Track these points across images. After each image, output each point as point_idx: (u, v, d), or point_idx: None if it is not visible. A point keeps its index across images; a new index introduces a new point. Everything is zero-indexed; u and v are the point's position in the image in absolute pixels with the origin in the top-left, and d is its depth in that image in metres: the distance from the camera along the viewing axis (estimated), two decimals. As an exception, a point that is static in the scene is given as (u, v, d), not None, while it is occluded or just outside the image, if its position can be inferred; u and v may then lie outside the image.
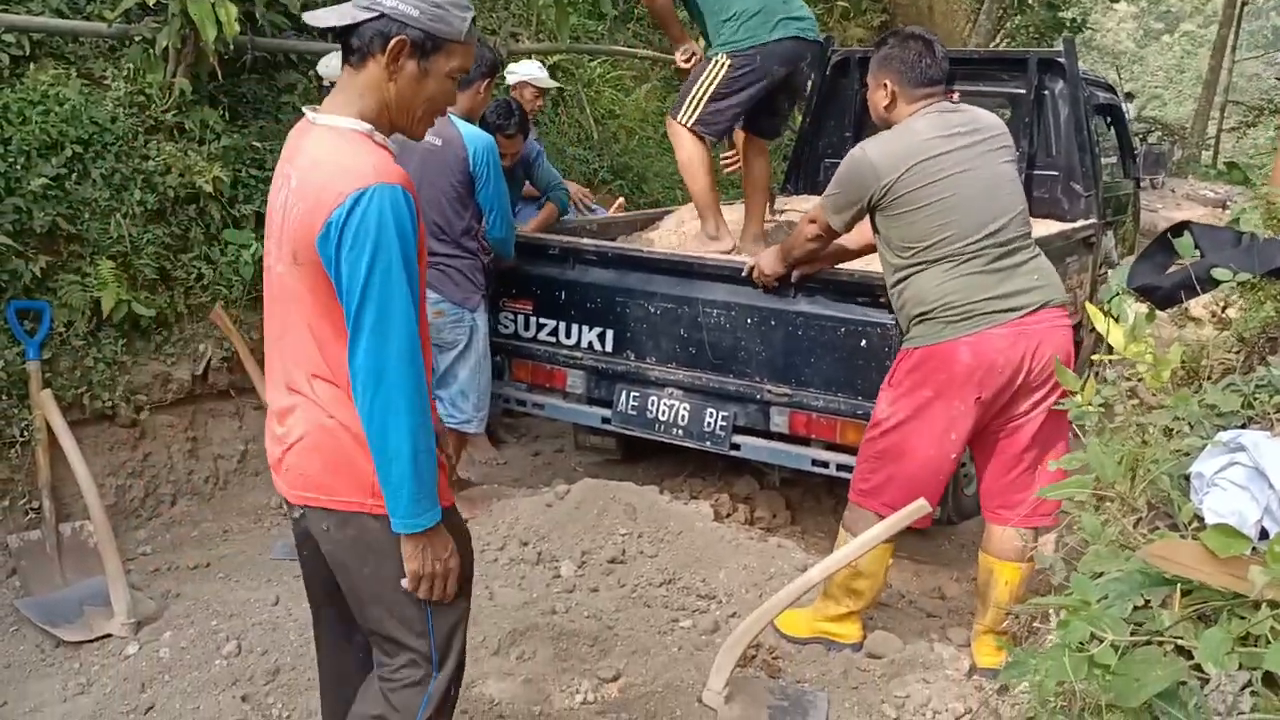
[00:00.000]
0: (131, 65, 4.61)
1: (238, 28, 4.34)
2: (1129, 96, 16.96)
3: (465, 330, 4.12)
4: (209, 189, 4.56)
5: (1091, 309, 1.82)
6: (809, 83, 4.79)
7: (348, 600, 2.09)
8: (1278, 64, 29.93)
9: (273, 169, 4.83)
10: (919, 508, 2.91)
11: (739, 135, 4.81)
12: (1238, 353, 1.51)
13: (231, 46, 4.59)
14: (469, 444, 4.64)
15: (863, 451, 3.28)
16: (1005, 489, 3.15)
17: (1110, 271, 5.66)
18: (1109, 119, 6.21)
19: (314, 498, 1.97)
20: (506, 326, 4.49)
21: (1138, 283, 1.61)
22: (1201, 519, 1.10)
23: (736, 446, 4.07)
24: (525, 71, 5.60)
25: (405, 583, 1.95)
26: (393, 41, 1.82)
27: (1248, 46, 29.49)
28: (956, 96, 3.27)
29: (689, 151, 4.32)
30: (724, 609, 3.61)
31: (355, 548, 1.98)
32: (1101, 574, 1.06)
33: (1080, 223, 5.15)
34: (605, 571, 3.76)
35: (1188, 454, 1.18)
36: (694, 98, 4.24)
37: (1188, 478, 1.15)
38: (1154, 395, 1.46)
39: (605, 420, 4.33)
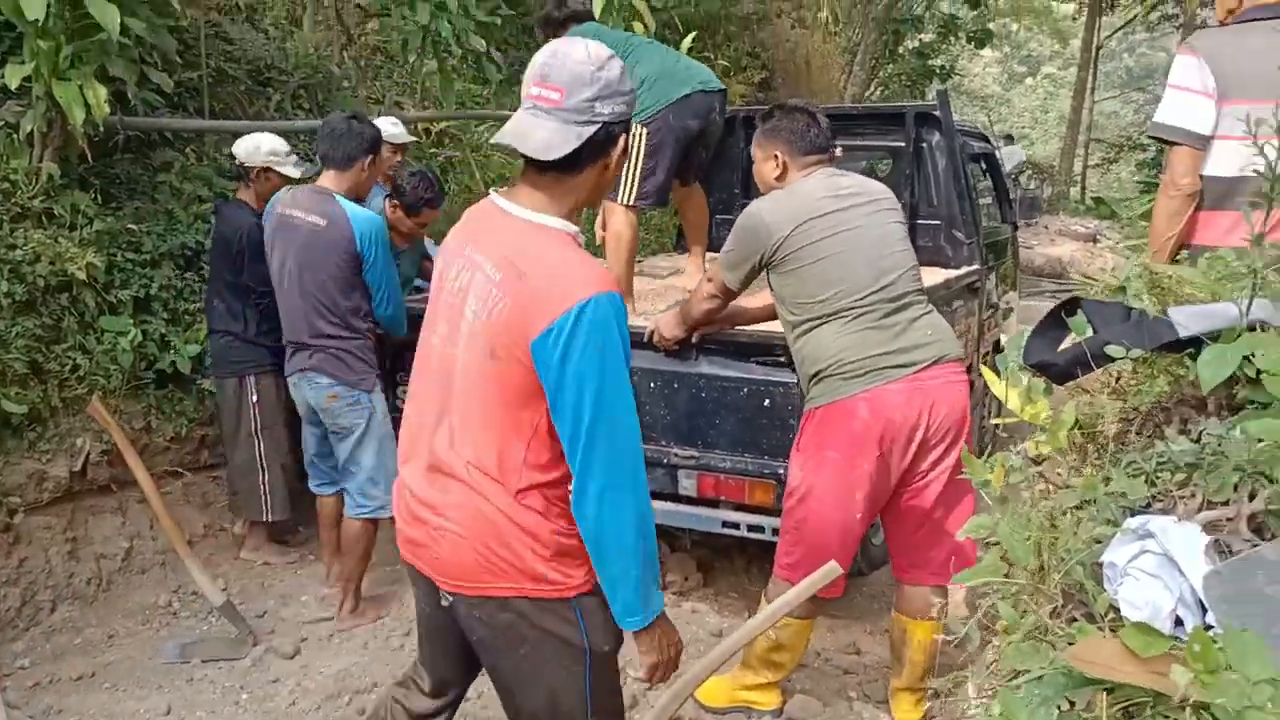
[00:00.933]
0: (-7, 151, 4.40)
1: (108, 109, 4.17)
2: (1009, 139, 17.57)
3: (364, 412, 3.99)
4: (82, 276, 4.36)
5: (988, 374, 1.85)
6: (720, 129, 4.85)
7: (498, 687, 2.14)
8: (1135, 101, 31.58)
9: (150, 251, 4.74)
10: (830, 570, 2.89)
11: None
12: (1132, 420, 1.54)
13: (101, 128, 4.43)
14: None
15: (783, 523, 3.24)
16: (914, 548, 3.16)
17: (1002, 336, 5.85)
18: (984, 166, 6.43)
19: (471, 586, 1.99)
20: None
21: (1034, 359, 1.64)
22: (1117, 609, 1.10)
23: (645, 512, 4.02)
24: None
25: (641, 673, 2.06)
26: (619, 145, 1.91)
27: (1105, 86, 31.12)
28: (839, 152, 3.34)
29: (619, 229, 4.34)
30: (641, 682, 3.53)
31: (511, 631, 2.00)
32: (1022, 672, 1.05)
33: (964, 269, 5.28)
34: (518, 652, 3.65)
35: (1099, 541, 1.18)
36: (627, 177, 4.28)
37: (1100, 564, 1.15)
38: (1058, 474, 1.47)
39: (511, 494, 4.22)
